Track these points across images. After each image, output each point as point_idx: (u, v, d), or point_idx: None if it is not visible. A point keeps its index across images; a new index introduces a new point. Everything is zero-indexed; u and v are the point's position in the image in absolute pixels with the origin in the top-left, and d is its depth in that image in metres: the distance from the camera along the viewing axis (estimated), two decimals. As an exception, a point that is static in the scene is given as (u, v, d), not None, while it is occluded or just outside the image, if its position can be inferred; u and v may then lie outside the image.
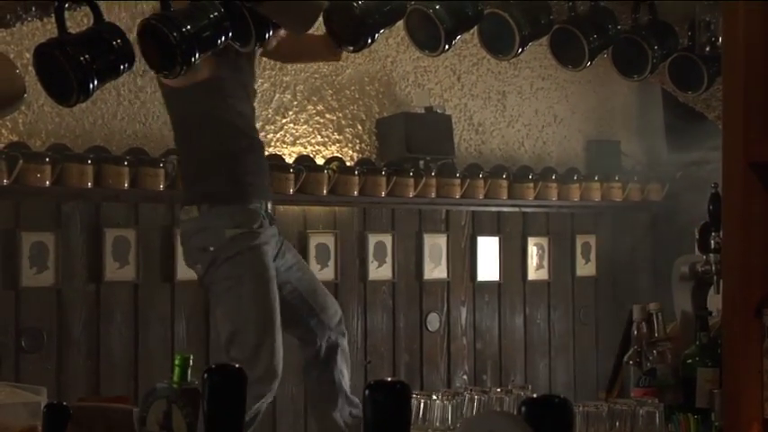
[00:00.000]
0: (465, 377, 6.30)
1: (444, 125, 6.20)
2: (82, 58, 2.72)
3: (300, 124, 5.98)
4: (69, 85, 2.74)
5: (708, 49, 3.61)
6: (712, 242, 3.04)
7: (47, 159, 5.09)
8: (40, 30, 4.61)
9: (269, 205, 4.19)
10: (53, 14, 2.84)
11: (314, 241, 5.87)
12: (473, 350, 6.36)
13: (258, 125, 5.82)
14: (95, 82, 2.75)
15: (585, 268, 6.75)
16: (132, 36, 2.80)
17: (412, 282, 6.17)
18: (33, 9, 3.13)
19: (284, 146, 5.90)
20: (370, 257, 6.05)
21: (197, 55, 2.76)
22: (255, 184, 4.15)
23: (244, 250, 4.03)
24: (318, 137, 6.02)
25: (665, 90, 5.04)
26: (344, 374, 4.24)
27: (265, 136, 5.85)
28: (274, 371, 4.00)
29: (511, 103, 6.69)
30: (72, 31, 2.82)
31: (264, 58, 5.84)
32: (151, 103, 5.55)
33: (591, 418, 2.37)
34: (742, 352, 1.97)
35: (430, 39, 3.32)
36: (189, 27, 2.73)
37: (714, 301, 3.12)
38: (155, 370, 5.19)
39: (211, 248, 4.02)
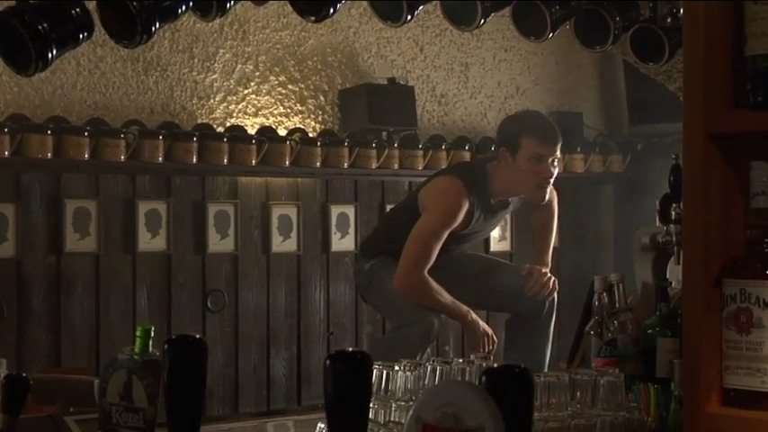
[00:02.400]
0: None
1: (407, 96, 6.19)
2: (40, 27, 2.69)
3: (263, 95, 5.95)
4: (28, 55, 2.71)
5: (669, 20, 3.63)
6: (673, 213, 3.06)
7: (5, 130, 5.04)
8: (-2, -2, 4.55)
9: None
10: (11, -17, 2.81)
11: (276, 213, 5.86)
12: (435, 321, 6.36)
13: (220, 96, 5.81)
14: (54, 51, 2.72)
15: (547, 239, 6.75)
16: (92, 5, 2.77)
17: (374, 253, 6.15)
18: (-9, -23, 3.09)
19: (246, 117, 5.87)
20: (333, 229, 6.04)
21: (157, 24, 2.74)
22: None
23: None
24: (281, 108, 5.99)
25: (627, 61, 5.05)
26: None
27: (227, 107, 5.82)
28: None
29: (473, 75, 6.69)
30: (30, -1, 2.79)
31: (226, 29, 5.81)
32: (111, 74, 5.50)
33: (552, 387, 2.38)
34: (702, 322, 1.98)
35: (392, 9, 3.32)
36: (149, -4, 2.71)
37: (674, 272, 3.14)
38: (116, 341, 5.17)
39: None
